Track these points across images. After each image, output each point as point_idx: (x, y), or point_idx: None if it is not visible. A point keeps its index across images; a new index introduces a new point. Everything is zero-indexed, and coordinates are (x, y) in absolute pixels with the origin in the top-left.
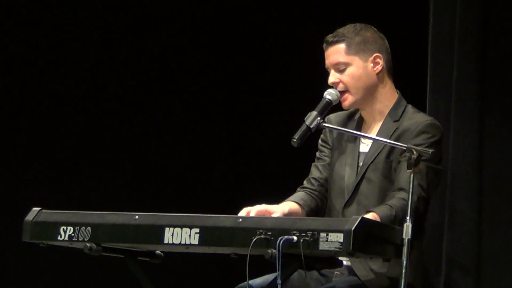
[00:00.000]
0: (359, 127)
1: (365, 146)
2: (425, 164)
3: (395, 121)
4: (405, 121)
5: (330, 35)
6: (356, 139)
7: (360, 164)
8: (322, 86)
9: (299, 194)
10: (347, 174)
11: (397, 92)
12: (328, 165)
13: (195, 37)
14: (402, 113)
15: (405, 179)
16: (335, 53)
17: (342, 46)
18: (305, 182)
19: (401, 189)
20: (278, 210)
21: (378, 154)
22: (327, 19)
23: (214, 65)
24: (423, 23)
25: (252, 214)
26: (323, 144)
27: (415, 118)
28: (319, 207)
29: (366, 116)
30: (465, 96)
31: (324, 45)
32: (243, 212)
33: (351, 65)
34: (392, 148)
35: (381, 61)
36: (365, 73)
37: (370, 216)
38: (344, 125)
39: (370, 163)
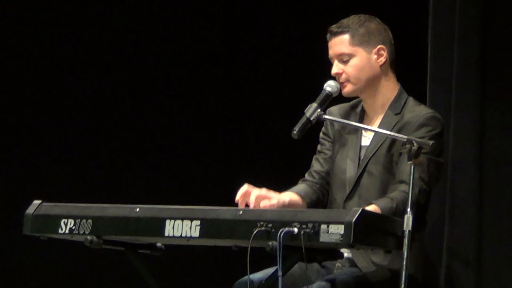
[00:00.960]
0: (360, 120)
1: (366, 139)
2: (426, 156)
3: (396, 114)
4: (406, 114)
5: (334, 26)
6: (357, 132)
7: (362, 157)
8: (322, 78)
9: (300, 186)
10: (348, 167)
11: (398, 85)
12: (329, 158)
13: (194, 33)
14: (403, 106)
15: (406, 171)
16: (339, 44)
17: (346, 37)
18: (306, 175)
19: (402, 181)
20: (276, 196)
21: (379, 147)
22: (328, 12)
23: (213, 57)
24: (423, 15)
25: (252, 198)
26: (324, 137)
27: (416, 111)
28: (320, 199)
29: (368, 108)
30: (465, 88)
31: (328, 36)
32: (243, 189)
33: (354, 56)
34: (394, 141)
35: (384, 53)
36: (369, 65)
37: (371, 208)
38: (346, 118)
39: (371, 156)
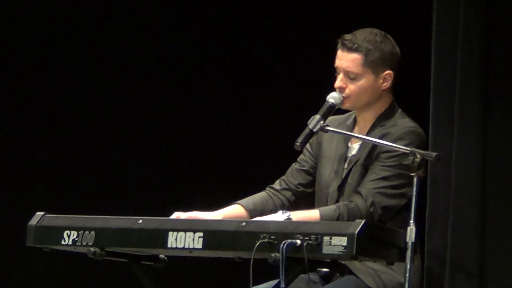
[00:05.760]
0: (350, 132)
1: (354, 151)
2: (389, 169)
3: (381, 126)
4: (389, 126)
5: (348, 39)
6: (344, 146)
7: (346, 167)
8: (326, 88)
9: (257, 196)
10: (332, 181)
11: (392, 98)
12: (303, 171)
13: (197, 36)
14: (390, 118)
15: (365, 182)
16: (351, 61)
17: (359, 56)
18: (276, 182)
19: (357, 192)
20: (208, 216)
21: (359, 158)
22: (331, 21)
23: (217, 67)
24: (426, 26)
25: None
26: (308, 148)
27: (398, 124)
28: (277, 211)
29: (360, 120)
30: (469, 99)
31: (340, 46)
32: (173, 216)
33: (362, 77)
34: (372, 151)
35: (390, 79)
36: (373, 88)
37: (313, 212)
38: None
39: (352, 167)
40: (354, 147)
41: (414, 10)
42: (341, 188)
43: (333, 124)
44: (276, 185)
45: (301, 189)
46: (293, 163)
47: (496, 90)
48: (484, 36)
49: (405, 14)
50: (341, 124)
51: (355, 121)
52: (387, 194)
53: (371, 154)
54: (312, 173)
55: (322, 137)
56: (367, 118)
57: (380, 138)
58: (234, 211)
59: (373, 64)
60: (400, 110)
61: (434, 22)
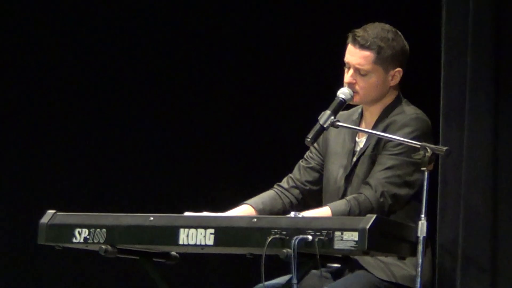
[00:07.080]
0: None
1: (361, 144)
2: (396, 157)
3: (387, 117)
4: (395, 114)
5: (361, 36)
6: (353, 141)
7: (354, 160)
8: (335, 84)
9: (265, 195)
10: (339, 176)
11: (398, 91)
12: (310, 169)
13: (204, 33)
14: (396, 108)
15: (374, 173)
16: (362, 58)
17: (371, 54)
18: (284, 179)
19: (366, 183)
20: None
21: (366, 149)
22: (340, 17)
23: (225, 65)
24: (436, 20)
25: None
26: (314, 145)
27: (404, 112)
28: (285, 209)
29: (367, 114)
30: (479, 93)
31: (351, 41)
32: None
33: (373, 74)
34: (378, 142)
35: (399, 76)
36: (382, 84)
37: (324, 209)
38: None
39: (359, 158)
40: (362, 141)
41: (424, 2)
42: (348, 179)
43: (339, 119)
44: (284, 183)
45: (308, 186)
46: (300, 160)
47: (507, 82)
48: (494, 28)
49: (415, 7)
50: (348, 119)
51: (361, 115)
52: (396, 183)
53: (378, 144)
54: (319, 170)
55: (329, 133)
56: (373, 112)
57: (386, 126)
58: (243, 212)
59: (384, 62)
60: (405, 100)
61: (444, 15)
